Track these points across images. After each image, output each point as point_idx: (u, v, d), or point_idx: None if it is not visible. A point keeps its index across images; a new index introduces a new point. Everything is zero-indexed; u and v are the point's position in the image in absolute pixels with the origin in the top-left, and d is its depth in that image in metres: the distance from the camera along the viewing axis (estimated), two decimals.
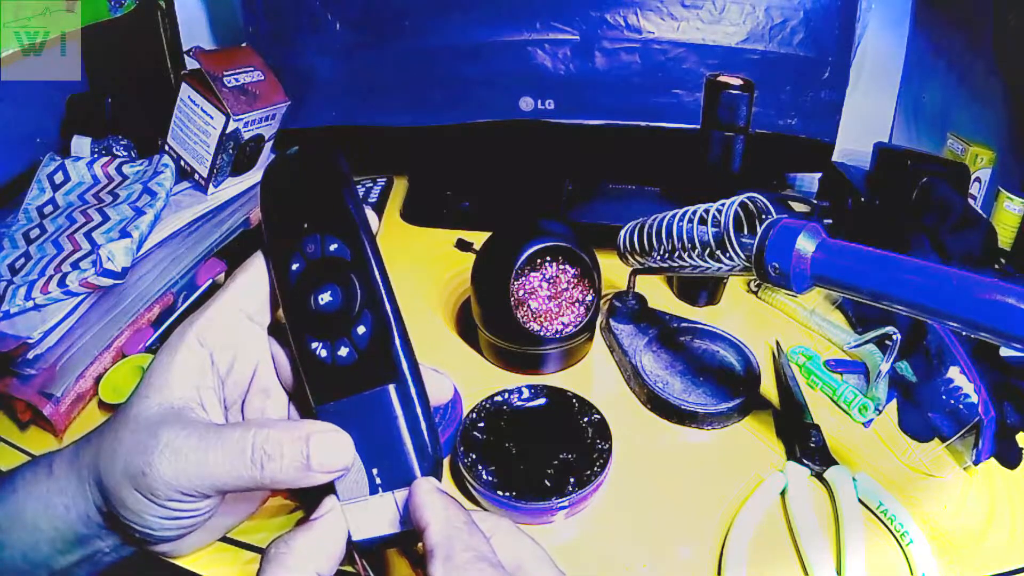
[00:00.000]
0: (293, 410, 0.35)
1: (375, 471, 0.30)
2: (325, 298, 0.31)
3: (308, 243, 0.32)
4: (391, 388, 0.30)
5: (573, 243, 0.50)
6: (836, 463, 0.43)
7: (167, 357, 0.32)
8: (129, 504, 0.30)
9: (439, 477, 0.30)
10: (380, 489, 0.30)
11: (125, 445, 0.30)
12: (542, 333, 0.51)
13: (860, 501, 0.41)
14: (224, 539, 0.39)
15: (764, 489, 0.42)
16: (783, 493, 0.42)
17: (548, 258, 0.51)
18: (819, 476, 0.43)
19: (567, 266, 0.52)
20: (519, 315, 0.50)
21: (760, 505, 0.41)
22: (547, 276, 0.52)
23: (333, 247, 0.32)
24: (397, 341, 0.30)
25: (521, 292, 0.51)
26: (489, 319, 0.52)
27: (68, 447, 0.34)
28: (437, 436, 0.31)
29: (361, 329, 0.31)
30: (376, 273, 0.31)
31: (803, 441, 0.45)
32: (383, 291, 0.31)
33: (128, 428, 0.31)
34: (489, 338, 0.52)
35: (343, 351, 0.31)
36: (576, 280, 0.52)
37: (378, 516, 0.30)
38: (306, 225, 0.33)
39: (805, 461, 0.44)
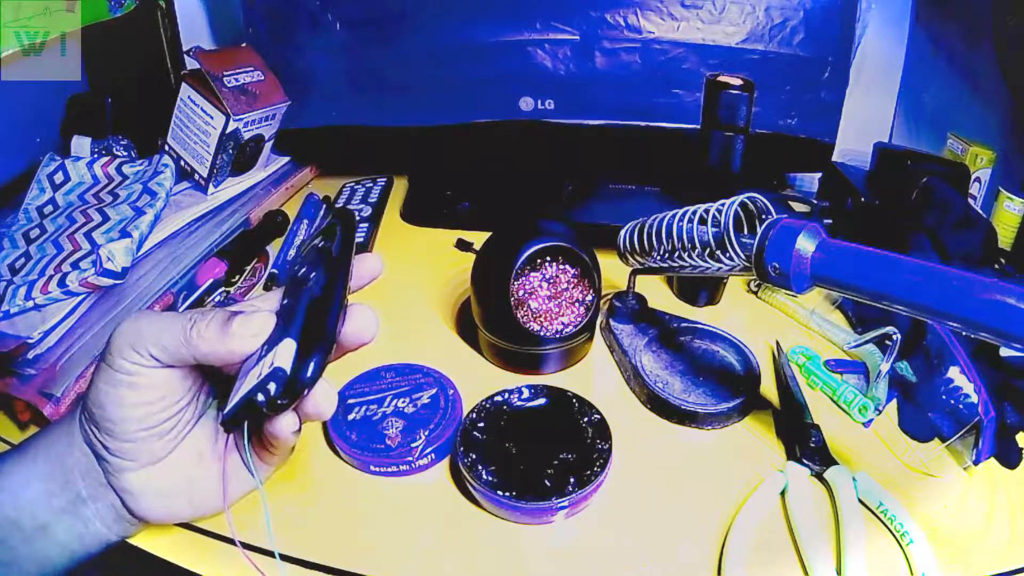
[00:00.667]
0: None
1: (265, 346, 0.33)
2: (304, 271, 0.37)
3: (300, 267, 0.39)
4: (310, 289, 0.35)
5: (573, 243, 0.50)
6: (836, 463, 0.43)
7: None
8: (93, 379, 0.34)
9: (323, 355, 0.32)
10: (263, 353, 0.33)
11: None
12: (542, 333, 0.51)
13: (860, 501, 0.41)
14: (221, 537, 0.39)
15: (764, 489, 0.42)
16: (783, 493, 0.42)
17: (548, 258, 0.51)
18: (819, 476, 0.43)
19: (567, 266, 0.52)
20: (519, 315, 0.50)
21: (760, 505, 0.41)
22: (547, 276, 0.52)
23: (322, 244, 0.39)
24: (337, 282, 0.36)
25: (521, 292, 0.51)
26: (489, 319, 0.52)
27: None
28: (333, 331, 0.33)
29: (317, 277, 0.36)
30: (339, 255, 0.37)
31: (803, 441, 0.45)
32: (341, 264, 0.37)
33: None
34: (489, 338, 0.52)
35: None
36: (576, 280, 0.52)
37: (249, 380, 0.32)
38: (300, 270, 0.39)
39: (805, 461, 0.44)
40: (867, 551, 0.37)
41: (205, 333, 0.33)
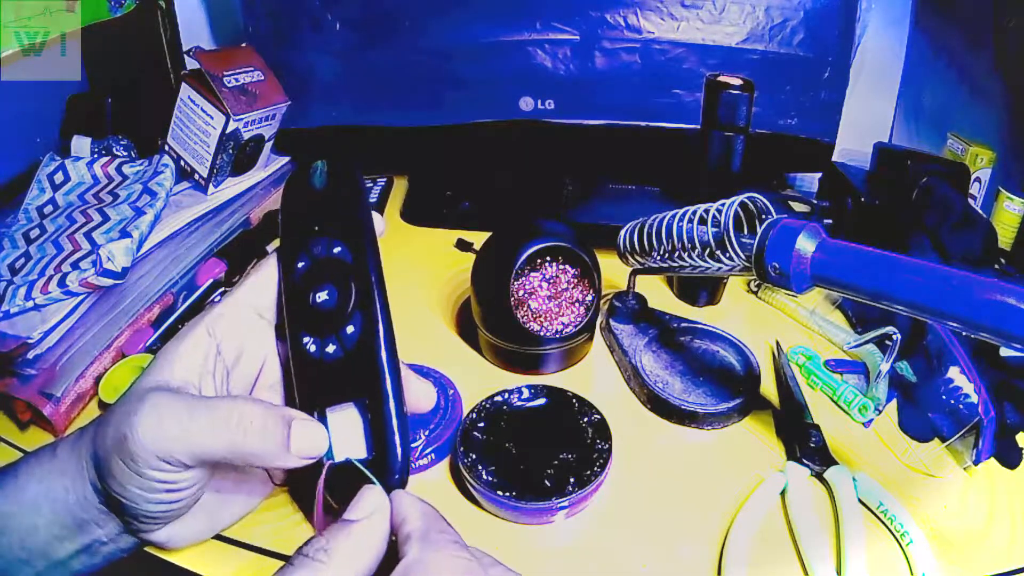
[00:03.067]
0: None
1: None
2: (322, 296, 0.33)
3: (316, 244, 0.34)
4: (365, 403, 0.31)
5: (573, 243, 0.50)
6: (836, 463, 0.43)
7: (174, 344, 0.34)
8: (115, 473, 0.31)
9: (403, 484, 0.31)
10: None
11: (116, 414, 0.31)
12: (542, 333, 0.51)
13: (860, 501, 0.41)
14: (222, 538, 0.39)
15: (764, 489, 0.42)
16: (783, 493, 0.42)
17: (548, 258, 0.51)
18: (819, 476, 0.43)
19: (567, 266, 0.52)
20: (519, 315, 0.50)
21: (760, 505, 0.41)
22: (547, 276, 0.52)
23: (337, 250, 0.34)
24: (382, 349, 0.31)
25: (521, 292, 0.51)
26: (489, 319, 0.52)
27: (73, 432, 0.34)
28: (407, 446, 0.31)
29: (350, 329, 0.32)
30: (372, 279, 0.33)
31: (803, 441, 0.45)
32: (376, 297, 0.32)
33: (121, 400, 0.32)
34: (489, 338, 0.52)
35: (331, 348, 0.32)
36: (576, 280, 0.52)
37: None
38: (317, 228, 0.34)
39: (805, 461, 0.44)
40: (867, 551, 0.37)
41: (259, 449, 0.30)
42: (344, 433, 0.32)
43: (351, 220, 0.34)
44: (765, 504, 0.41)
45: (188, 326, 0.35)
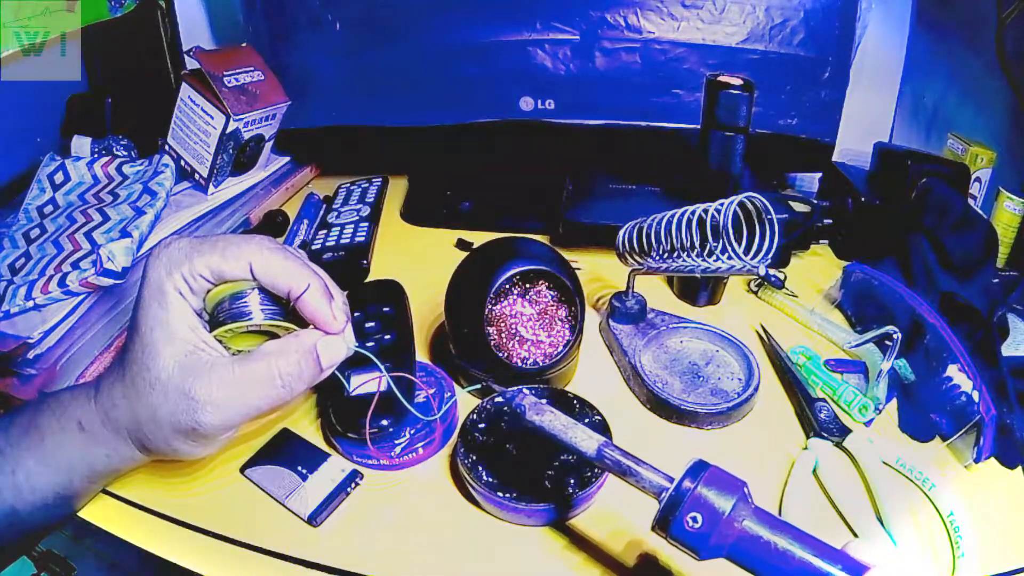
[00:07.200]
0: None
1: None
2: (371, 325, 0.50)
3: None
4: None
5: (558, 269, 0.49)
6: (850, 431, 0.45)
7: (160, 312, 0.35)
8: (183, 451, 0.37)
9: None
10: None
11: (164, 409, 0.35)
12: (524, 366, 0.49)
13: (882, 462, 0.44)
14: (222, 538, 0.39)
15: (797, 472, 0.43)
16: (815, 471, 0.44)
17: (516, 298, 0.49)
18: (838, 446, 0.45)
19: (548, 291, 0.49)
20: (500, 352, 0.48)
21: (799, 489, 0.43)
22: (521, 312, 0.49)
23: (385, 310, 0.53)
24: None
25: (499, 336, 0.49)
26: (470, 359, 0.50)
27: (86, 404, 0.37)
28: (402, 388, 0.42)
29: (388, 336, 0.49)
30: (407, 318, 0.52)
31: (816, 416, 0.46)
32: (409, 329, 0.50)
33: (157, 392, 0.35)
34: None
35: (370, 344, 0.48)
36: (556, 302, 0.49)
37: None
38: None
39: (824, 434, 0.45)
40: (900, 502, 0.40)
41: (305, 386, 0.37)
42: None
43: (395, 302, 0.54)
44: (803, 487, 0.43)
45: (155, 284, 0.35)
